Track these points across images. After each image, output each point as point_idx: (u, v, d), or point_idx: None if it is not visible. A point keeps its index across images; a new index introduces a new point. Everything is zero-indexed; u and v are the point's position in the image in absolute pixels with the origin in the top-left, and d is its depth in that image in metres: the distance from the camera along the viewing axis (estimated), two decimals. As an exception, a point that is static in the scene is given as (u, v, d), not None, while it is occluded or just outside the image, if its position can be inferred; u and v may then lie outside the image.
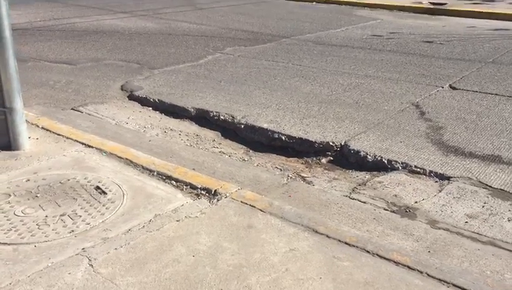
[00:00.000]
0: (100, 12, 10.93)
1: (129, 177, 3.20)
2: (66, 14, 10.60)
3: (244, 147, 4.44)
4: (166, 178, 3.23)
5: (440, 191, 3.34)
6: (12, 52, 3.40)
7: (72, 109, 5.06)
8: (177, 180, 3.19)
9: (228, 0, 13.33)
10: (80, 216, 2.70)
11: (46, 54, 7.24)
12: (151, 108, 5.25)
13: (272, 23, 10.19)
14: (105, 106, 5.20)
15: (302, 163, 4.07)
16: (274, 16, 11.12)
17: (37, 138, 3.83)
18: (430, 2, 12.26)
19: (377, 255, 2.47)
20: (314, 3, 13.29)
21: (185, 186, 3.13)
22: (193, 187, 3.10)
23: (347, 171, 3.86)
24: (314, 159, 4.12)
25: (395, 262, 2.43)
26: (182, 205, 2.85)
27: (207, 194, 3.02)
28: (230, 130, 4.71)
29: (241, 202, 2.90)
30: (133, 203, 2.85)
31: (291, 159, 4.17)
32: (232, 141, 4.55)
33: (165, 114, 5.11)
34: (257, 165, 4.00)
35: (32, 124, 4.15)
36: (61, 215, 2.71)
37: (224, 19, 10.56)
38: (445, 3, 12.01)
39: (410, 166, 3.69)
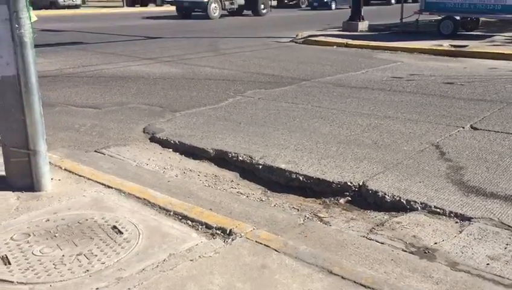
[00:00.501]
0: (127, 59, 11.32)
1: (146, 217, 3.24)
2: (94, 62, 11.01)
3: (262, 187, 4.45)
4: (183, 218, 3.25)
5: (460, 232, 3.26)
6: (37, 97, 3.55)
7: (95, 151, 5.19)
8: (192, 220, 3.21)
9: (250, 46, 13.66)
10: (96, 255, 2.73)
11: (73, 99, 7.50)
12: (171, 149, 5.34)
13: (293, 66, 10.37)
14: (127, 148, 5.31)
15: (320, 203, 4.05)
16: (295, 59, 11.32)
17: (59, 179, 3.93)
18: (451, 45, 12.32)
19: (393, 297, 2.41)
20: (335, 47, 13.50)
21: (200, 226, 3.14)
22: (208, 227, 3.12)
23: (365, 211, 3.82)
24: (332, 199, 4.09)
25: (412, 304, 2.36)
26: (197, 244, 2.86)
27: (222, 234, 3.02)
28: (249, 171, 4.74)
29: (256, 241, 2.89)
30: (148, 242, 2.87)
31: (308, 199, 4.15)
32: (250, 182, 4.57)
33: (185, 155, 5.18)
34: (274, 205, 3.99)
35: (56, 165, 4.26)
36: (77, 254, 2.75)
37: (245, 63, 10.79)
38: (466, 45, 12.05)
39: (430, 206, 3.63)
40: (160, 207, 3.41)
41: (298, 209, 3.89)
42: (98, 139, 5.61)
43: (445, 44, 12.43)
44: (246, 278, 2.52)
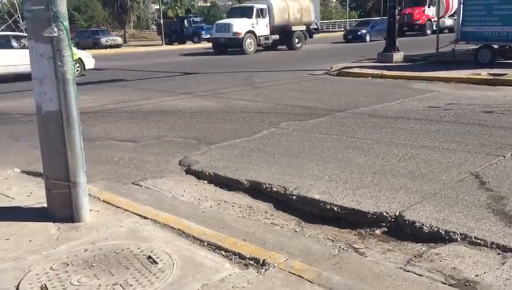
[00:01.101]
0: (164, 94, 11.64)
1: (180, 247, 3.27)
2: (133, 97, 11.37)
3: (296, 218, 4.43)
4: (216, 248, 3.26)
5: (503, 264, 3.14)
6: (78, 131, 3.70)
7: (132, 183, 5.31)
8: (226, 250, 3.21)
9: (284, 79, 13.81)
10: (131, 285, 2.77)
11: (113, 133, 7.73)
12: (206, 181, 5.40)
13: (327, 98, 10.39)
14: (163, 180, 5.41)
15: (355, 234, 3.99)
16: (329, 91, 11.36)
17: (98, 211, 4.03)
18: (489, 73, 12.10)
19: (432, 330, 2.32)
20: (369, 78, 13.47)
21: (233, 256, 3.14)
22: (242, 257, 3.11)
23: (402, 242, 3.73)
24: (368, 230, 4.02)
25: (452, 338, 2.27)
26: (230, 274, 2.86)
27: (255, 264, 3.01)
28: (283, 202, 4.73)
29: (289, 272, 2.86)
30: (182, 272, 2.89)
31: (344, 230, 4.09)
32: (284, 213, 4.56)
33: (219, 187, 5.23)
34: (309, 236, 3.96)
35: (95, 197, 4.38)
36: (113, 284, 2.79)
37: (280, 96, 10.90)
38: (505, 74, 11.80)
39: (470, 237, 3.51)
40: (194, 237, 3.44)
41: (333, 240, 3.83)
42: (136, 171, 5.74)
43: (484, 73, 12.21)
44: (279, 309, 2.49)
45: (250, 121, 8.28)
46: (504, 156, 5.49)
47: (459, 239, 3.54)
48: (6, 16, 44.27)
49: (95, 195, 4.42)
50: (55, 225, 3.71)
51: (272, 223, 4.28)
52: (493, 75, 11.88)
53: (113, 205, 4.21)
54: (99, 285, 2.79)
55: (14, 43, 15.34)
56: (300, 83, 13.13)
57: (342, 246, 3.63)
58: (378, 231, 3.98)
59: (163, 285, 2.76)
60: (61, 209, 3.78)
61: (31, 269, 3.03)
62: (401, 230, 3.90)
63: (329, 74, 14.55)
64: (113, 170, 5.77)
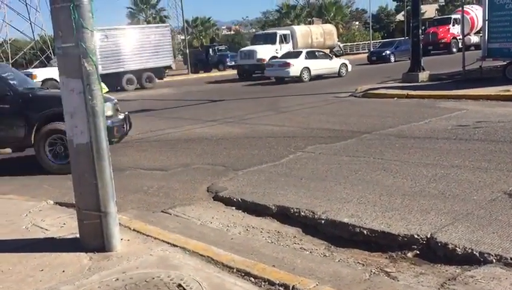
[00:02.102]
0: (191, 122, 11.80)
1: (209, 274, 3.28)
2: (161, 126, 11.57)
3: (325, 242, 4.39)
4: (245, 274, 3.26)
5: (541, 285, 3.03)
6: (108, 162, 3.79)
7: (162, 211, 5.37)
8: (255, 277, 3.21)
9: (310, 103, 13.85)
10: (162, 313, 2.79)
11: (141, 162, 7.87)
12: (234, 207, 5.42)
13: (353, 120, 10.35)
14: (192, 207, 5.45)
15: (386, 258, 3.93)
16: (354, 113, 11.32)
17: (128, 240, 4.09)
18: (519, 88, 11.87)
19: None
20: (395, 99, 13.37)
21: (263, 283, 3.13)
22: (271, 283, 3.10)
23: (435, 265, 3.66)
24: (399, 253, 3.96)
25: None
26: (259, 301, 2.84)
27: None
28: (311, 226, 4.70)
29: (319, 298, 2.83)
30: (212, 300, 2.90)
31: (374, 253, 4.04)
32: (313, 237, 4.53)
33: (247, 212, 5.24)
34: (338, 260, 3.91)
35: (125, 226, 4.44)
36: (144, 312, 2.82)
37: (305, 120, 10.92)
38: (535, 88, 11.57)
39: (506, 258, 3.42)
40: (223, 264, 3.45)
41: (363, 264, 3.78)
42: (165, 199, 5.81)
43: (513, 89, 11.98)
44: (310, 335, 2.46)
45: (276, 145, 8.31)
46: (538, 174, 5.35)
47: (494, 261, 3.45)
48: (39, 53, 46.02)
49: (125, 224, 4.49)
50: (87, 255, 3.78)
51: (301, 248, 4.26)
52: (523, 90, 11.64)
53: (143, 233, 4.27)
54: (131, 314, 2.82)
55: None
56: (326, 106, 13.13)
57: (373, 270, 3.58)
58: (409, 254, 3.91)
59: (193, 313, 2.76)
60: (92, 239, 3.86)
61: (64, 298, 3.08)
62: (433, 252, 3.83)
63: (355, 96, 14.52)
64: (143, 199, 5.86)
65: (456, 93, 12.46)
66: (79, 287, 3.24)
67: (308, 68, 21.75)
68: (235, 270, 3.36)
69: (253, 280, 3.20)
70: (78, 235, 4.11)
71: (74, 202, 5.10)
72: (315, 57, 22.66)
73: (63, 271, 3.53)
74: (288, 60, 21.84)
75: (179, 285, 3.13)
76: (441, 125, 8.87)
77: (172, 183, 6.49)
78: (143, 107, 15.78)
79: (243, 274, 3.28)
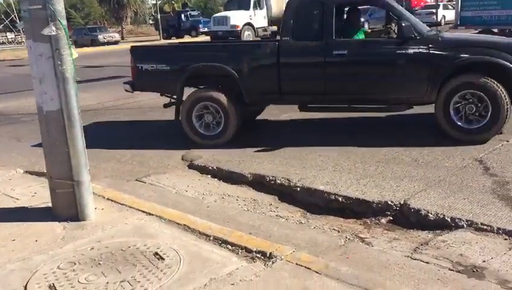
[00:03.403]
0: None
1: (186, 242, 3.27)
2: (133, 94, 11.31)
3: (301, 209, 4.43)
4: (222, 242, 3.26)
5: (510, 249, 3.13)
6: (80, 129, 3.69)
7: (136, 180, 5.30)
8: (232, 244, 3.21)
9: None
10: (139, 282, 2.77)
11: (114, 130, 7.73)
12: (209, 175, 5.39)
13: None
14: (167, 176, 5.40)
15: (361, 224, 3.99)
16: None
17: (103, 209, 4.03)
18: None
19: (442, 318, 2.32)
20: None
21: (240, 250, 3.14)
22: (248, 250, 3.11)
23: (408, 231, 3.73)
24: (373, 219, 4.02)
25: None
26: (237, 268, 2.86)
27: (262, 257, 3.01)
28: (287, 194, 4.72)
29: (297, 264, 2.86)
30: (190, 268, 2.90)
31: (349, 220, 4.10)
32: (289, 205, 4.56)
33: (223, 181, 5.23)
34: (314, 227, 3.95)
35: (99, 195, 4.37)
36: (121, 281, 2.80)
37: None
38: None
39: (476, 223, 3.51)
40: (200, 232, 3.44)
41: (339, 231, 3.83)
42: (139, 168, 5.73)
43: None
44: (288, 301, 2.49)
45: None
46: (507, 141, 5.47)
47: (465, 226, 3.54)
48: (3, 16, 44.21)
49: (99, 193, 4.42)
50: (61, 225, 3.71)
51: (277, 215, 4.28)
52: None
53: (117, 202, 4.21)
54: (107, 282, 2.79)
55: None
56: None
57: (348, 237, 3.63)
58: (383, 220, 3.98)
59: (171, 281, 2.76)
60: (66, 208, 3.78)
61: (38, 269, 3.03)
62: (406, 219, 3.90)
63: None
64: (116, 168, 5.77)
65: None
66: (53, 256, 3.18)
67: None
68: (212, 238, 3.35)
69: (230, 247, 3.21)
70: (50, 205, 4.03)
71: (45, 171, 5.01)
72: None
73: (36, 241, 3.47)
74: None
75: (156, 253, 3.12)
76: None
77: (146, 152, 6.39)
78: (113, 74, 15.41)
79: (220, 242, 3.28)
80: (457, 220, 3.60)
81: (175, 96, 6.59)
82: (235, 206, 4.49)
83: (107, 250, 3.21)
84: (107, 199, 4.32)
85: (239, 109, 6.24)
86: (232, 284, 2.67)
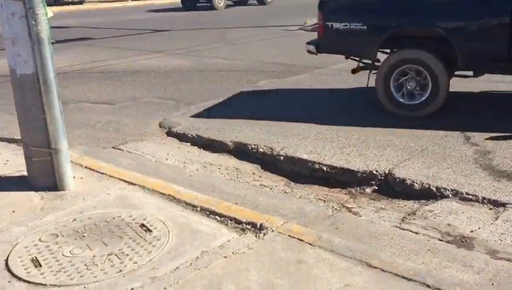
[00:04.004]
0: (136, 53, 11.22)
1: (173, 213, 3.17)
2: (103, 57, 10.93)
3: (284, 179, 4.38)
4: (210, 213, 3.19)
5: (496, 219, 3.17)
6: (56, 94, 3.49)
7: (113, 147, 5.13)
8: (221, 215, 3.14)
9: (258, 36, 13.52)
10: (127, 255, 2.68)
11: (86, 95, 7.44)
12: (189, 143, 5.26)
13: (304, 54, 10.19)
14: (145, 143, 5.25)
15: (346, 193, 3.97)
16: (305, 47, 11.15)
17: (82, 178, 3.87)
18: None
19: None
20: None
21: (229, 221, 3.07)
22: (238, 222, 3.05)
23: (394, 200, 3.74)
24: (358, 189, 4.01)
25: (458, 296, 2.28)
26: (228, 240, 2.79)
27: (252, 229, 2.95)
28: (270, 163, 4.66)
29: (289, 235, 2.82)
30: (179, 240, 2.81)
31: (334, 189, 4.07)
32: (272, 174, 4.50)
33: (203, 149, 5.11)
34: (299, 197, 3.92)
35: (76, 163, 4.20)
36: (108, 254, 2.69)
37: (256, 54, 10.67)
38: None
39: (461, 193, 3.54)
40: (186, 203, 3.35)
41: (325, 201, 3.81)
42: (115, 135, 5.55)
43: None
44: (283, 273, 2.45)
45: (228, 80, 8.10)
46: (485, 111, 5.53)
47: (450, 195, 3.56)
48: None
49: (76, 161, 4.24)
50: (38, 194, 3.55)
51: (260, 184, 4.22)
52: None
53: (96, 171, 4.06)
54: (94, 256, 2.69)
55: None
56: (274, 39, 12.87)
57: (335, 207, 3.60)
58: (368, 190, 3.98)
59: (161, 254, 2.67)
60: (43, 177, 3.61)
61: (18, 241, 2.89)
62: (391, 188, 3.90)
63: (304, 30, 14.29)
64: (91, 134, 5.56)
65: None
66: (33, 228, 3.04)
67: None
68: (198, 209, 3.27)
69: (218, 218, 3.13)
70: (25, 173, 3.86)
71: (16, 137, 4.78)
72: None
73: (13, 211, 3.31)
74: None
75: (142, 225, 3.01)
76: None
77: (121, 118, 6.20)
78: (81, 36, 14.82)
79: (208, 213, 3.20)
80: (442, 190, 3.62)
81: (365, 60, 5.90)
82: (217, 175, 4.41)
83: (90, 221, 3.09)
84: (85, 167, 4.16)
85: (449, 75, 5.38)
86: (224, 257, 2.61)
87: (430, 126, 5.07)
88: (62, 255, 2.71)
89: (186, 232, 2.90)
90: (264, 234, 2.85)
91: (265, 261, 2.55)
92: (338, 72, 8.21)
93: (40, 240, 2.88)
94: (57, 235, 2.92)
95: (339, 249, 2.66)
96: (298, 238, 2.78)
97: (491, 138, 4.62)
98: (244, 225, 3.01)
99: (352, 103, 6.20)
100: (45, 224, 3.08)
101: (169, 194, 3.49)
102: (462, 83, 6.08)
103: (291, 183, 4.28)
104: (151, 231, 2.93)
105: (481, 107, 5.76)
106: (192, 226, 2.99)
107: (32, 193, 3.57)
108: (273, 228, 2.91)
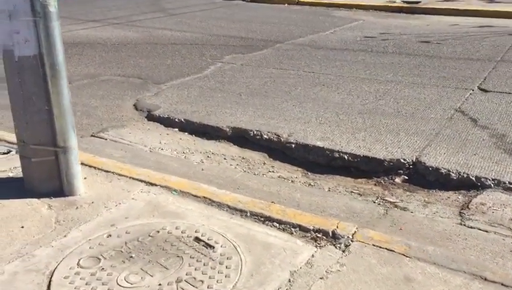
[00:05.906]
0: (69, 21, 10.06)
1: (226, 222, 2.72)
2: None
3: (299, 169, 4.06)
4: (266, 219, 2.78)
5: (554, 210, 3.11)
6: (66, 81, 2.85)
7: (92, 135, 4.50)
8: (279, 222, 2.75)
9: (197, 5, 12.79)
10: (202, 281, 2.22)
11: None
12: (177, 129, 4.74)
13: (256, 27, 9.80)
14: (127, 130, 4.65)
15: (375, 184, 3.74)
16: (254, 19, 10.72)
17: (85, 178, 3.25)
18: (403, 1, 12.30)
19: None
20: (286, 5, 13.00)
21: (293, 229, 2.69)
22: (303, 229, 2.67)
23: (431, 191, 3.56)
24: (386, 179, 3.80)
25: None
26: (312, 255, 2.42)
27: (325, 237, 2.61)
28: (277, 150, 4.31)
29: (373, 245, 2.51)
30: (254, 258, 2.39)
31: (360, 180, 3.82)
32: (284, 163, 4.16)
33: (195, 135, 4.63)
34: (328, 190, 3.64)
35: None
36: (177, 281, 2.22)
37: (204, 25, 10.06)
38: (419, 1, 12.09)
39: (504, 183, 3.44)
40: (229, 207, 2.91)
41: (360, 194, 3.55)
42: (88, 120, 4.87)
43: (398, 0, 12.38)
44: (397, 294, 2.16)
45: (188, 54, 7.50)
46: (473, 90, 5.56)
47: (492, 185, 3.45)
48: None
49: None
50: (42, 202, 2.91)
51: (279, 176, 3.88)
52: (407, 3, 12.10)
53: (97, 168, 3.44)
54: (159, 284, 2.19)
55: None
56: (216, 9, 12.26)
57: (379, 202, 3.37)
58: (398, 180, 3.77)
59: (243, 278, 2.24)
60: (45, 181, 2.97)
61: (50, 269, 2.30)
62: (422, 177, 3.73)
63: (244, 0, 13.78)
64: (58, 120, 4.81)
65: (347, 2, 12.49)
66: (61, 249, 2.45)
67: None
68: (248, 214, 2.84)
69: (277, 225, 2.73)
70: (11, 175, 3.19)
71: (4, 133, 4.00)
72: None
73: (22, 227, 2.67)
74: None
75: (197, 239, 2.54)
76: (348, 36, 8.80)
77: (86, 100, 5.48)
78: None
79: (263, 219, 2.78)
80: (482, 180, 3.50)
81: None
82: (229, 167, 3.98)
83: (130, 237, 2.55)
84: (81, 163, 3.52)
85: None
86: (321, 278, 2.24)
87: (429, 108, 4.98)
88: (118, 285, 2.19)
89: (257, 247, 2.48)
90: (346, 245, 2.52)
91: (370, 281, 2.23)
92: (302, 47, 7.93)
93: (79, 265, 2.32)
94: (99, 259, 2.37)
95: (440, 261, 2.40)
96: (387, 249, 2.48)
97: (495, 120, 4.61)
98: (312, 232, 2.65)
99: (337, 82, 5.95)
100: (75, 243, 2.50)
101: (204, 197, 3.01)
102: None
103: (309, 173, 3.98)
104: (213, 247, 2.47)
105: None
106: (259, 238, 2.57)
107: (35, 200, 2.92)
108: (350, 236, 2.59)
